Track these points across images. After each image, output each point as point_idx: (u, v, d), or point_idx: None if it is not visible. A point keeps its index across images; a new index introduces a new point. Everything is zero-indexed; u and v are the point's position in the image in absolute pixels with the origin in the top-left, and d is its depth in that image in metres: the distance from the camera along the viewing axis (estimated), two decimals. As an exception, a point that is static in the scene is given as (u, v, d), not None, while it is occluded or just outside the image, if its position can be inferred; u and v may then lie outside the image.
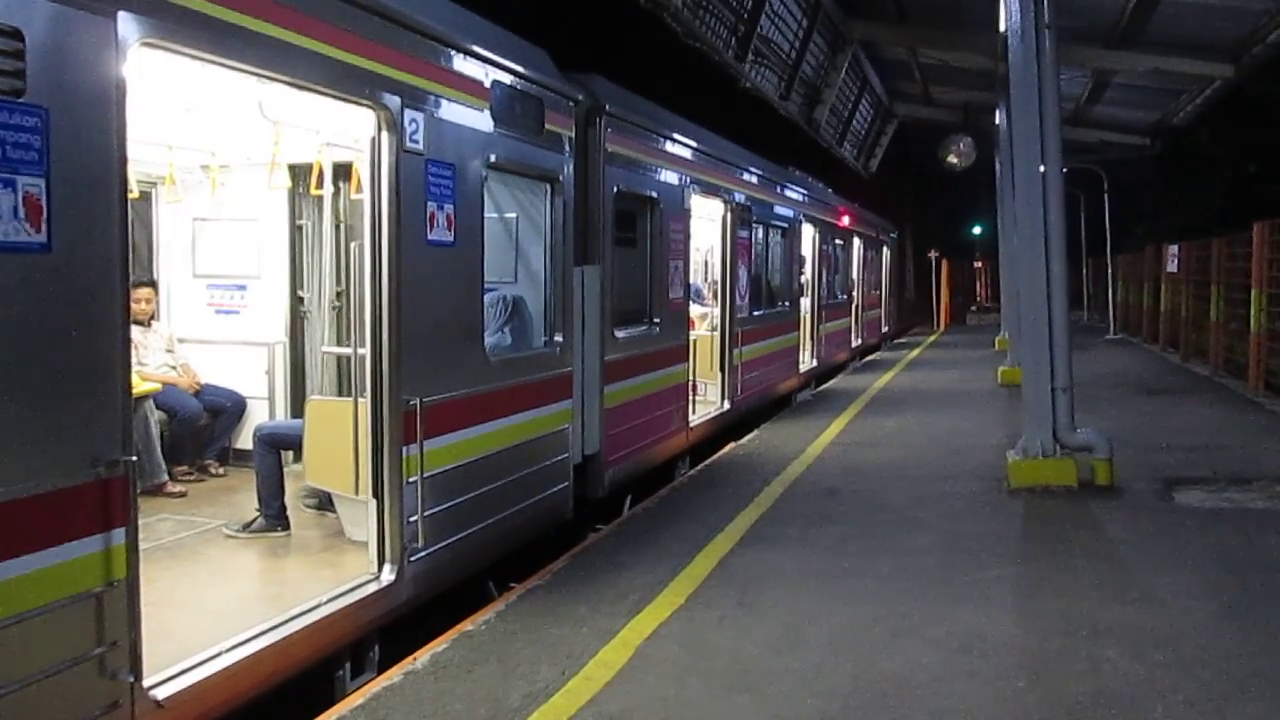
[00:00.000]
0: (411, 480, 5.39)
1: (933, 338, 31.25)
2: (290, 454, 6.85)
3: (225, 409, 7.74)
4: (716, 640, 5.45)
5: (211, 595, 5.22)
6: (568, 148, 7.41)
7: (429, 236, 5.60)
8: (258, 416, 7.77)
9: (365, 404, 5.39)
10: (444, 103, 5.73)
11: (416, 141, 5.42)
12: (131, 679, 3.68)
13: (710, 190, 11.12)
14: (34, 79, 3.33)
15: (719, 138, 11.99)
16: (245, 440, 7.59)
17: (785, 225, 15.47)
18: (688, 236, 10.36)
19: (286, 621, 4.64)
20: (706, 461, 10.81)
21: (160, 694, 3.83)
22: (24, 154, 3.30)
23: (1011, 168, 9.93)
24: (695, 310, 12.32)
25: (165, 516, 6.52)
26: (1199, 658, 5.09)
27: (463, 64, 5.97)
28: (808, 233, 17.02)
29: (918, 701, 4.66)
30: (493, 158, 6.30)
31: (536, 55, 7.14)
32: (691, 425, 10.59)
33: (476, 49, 6.08)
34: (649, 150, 9.29)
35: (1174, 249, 20.46)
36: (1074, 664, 5.03)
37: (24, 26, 3.30)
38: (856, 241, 22.56)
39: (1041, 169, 8.88)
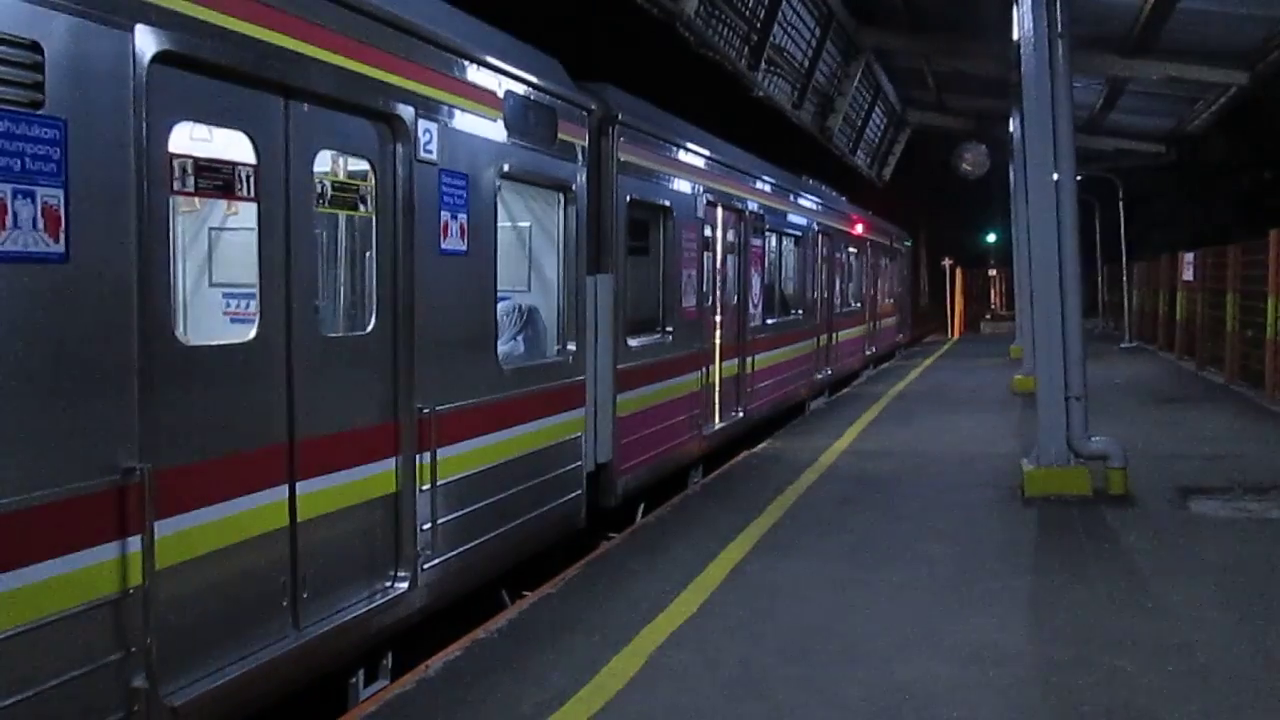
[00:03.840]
0: (424, 488, 5.41)
1: (946, 346, 31.17)
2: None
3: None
4: (729, 648, 5.45)
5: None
6: (581, 157, 7.44)
7: (442, 246, 5.63)
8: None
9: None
10: (457, 113, 5.77)
11: (430, 151, 5.46)
12: (147, 686, 3.70)
13: (723, 199, 11.14)
14: (53, 91, 3.37)
15: (732, 147, 12.01)
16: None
17: (798, 234, 15.48)
18: (700, 245, 10.38)
19: (301, 629, 4.65)
20: (719, 470, 10.81)
21: (175, 701, 3.86)
22: (43, 165, 3.35)
23: (1025, 175, 9.92)
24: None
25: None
26: (1214, 668, 5.06)
27: (476, 74, 6.01)
28: (821, 241, 17.02)
29: (931, 711, 4.65)
30: (506, 167, 6.34)
31: (549, 65, 7.18)
32: (705, 433, 10.59)
33: (490, 59, 6.12)
34: (662, 159, 9.32)
35: (1190, 256, 20.36)
36: (1088, 674, 5.01)
37: (43, 40, 3.35)
38: (870, 249, 22.54)
39: (1055, 177, 8.87)
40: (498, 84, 6.23)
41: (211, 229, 8.20)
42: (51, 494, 3.40)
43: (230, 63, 4.15)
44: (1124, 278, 27.88)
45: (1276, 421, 12.99)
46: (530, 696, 4.86)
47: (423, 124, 5.38)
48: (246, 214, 8.10)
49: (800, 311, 15.57)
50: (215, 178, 4.85)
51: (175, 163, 4.54)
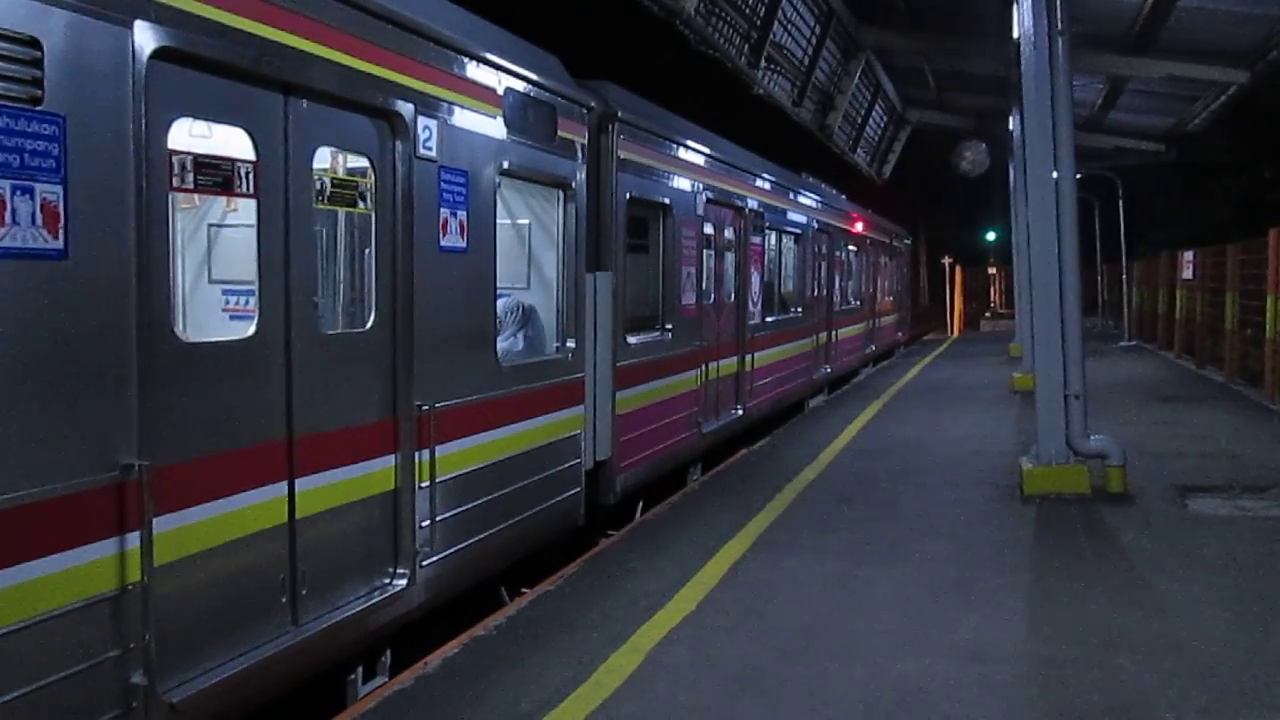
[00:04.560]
0: (423, 485, 5.42)
1: (946, 344, 31.18)
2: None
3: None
4: (727, 646, 5.45)
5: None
6: (580, 155, 7.44)
7: (442, 243, 5.63)
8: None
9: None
10: (457, 110, 5.77)
11: (430, 148, 5.46)
12: (146, 682, 3.70)
13: (723, 196, 11.14)
14: (52, 87, 3.37)
15: (731, 144, 12.01)
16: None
17: (798, 232, 15.48)
18: (700, 243, 10.38)
19: (300, 625, 4.66)
20: (718, 467, 10.81)
21: (174, 697, 3.86)
22: (42, 161, 3.35)
23: (1025, 174, 9.92)
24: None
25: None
26: (1212, 666, 5.06)
27: (476, 71, 6.01)
28: (820, 239, 17.03)
29: (929, 709, 4.66)
30: (505, 164, 6.34)
31: (549, 62, 7.18)
32: (704, 431, 10.59)
33: (489, 56, 6.12)
34: (661, 157, 9.32)
35: (1189, 255, 20.35)
36: (1086, 672, 5.01)
37: (42, 36, 3.34)
38: (870, 247, 22.55)
39: (1055, 175, 8.87)
40: (497, 81, 6.22)
41: (210, 225, 8.20)
42: (50, 490, 3.40)
43: (229, 59, 4.15)
44: (1123, 276, 27.89)
45: (1275, 420, 12.99)
46: (529, 694, 4.86)
47: (422, 121, 5.38)
48: (246, 210, 8.11)
49: (800, 309, 15.57)
50: (214, 174, 4.85)
51: (174, 159, 4.54)
